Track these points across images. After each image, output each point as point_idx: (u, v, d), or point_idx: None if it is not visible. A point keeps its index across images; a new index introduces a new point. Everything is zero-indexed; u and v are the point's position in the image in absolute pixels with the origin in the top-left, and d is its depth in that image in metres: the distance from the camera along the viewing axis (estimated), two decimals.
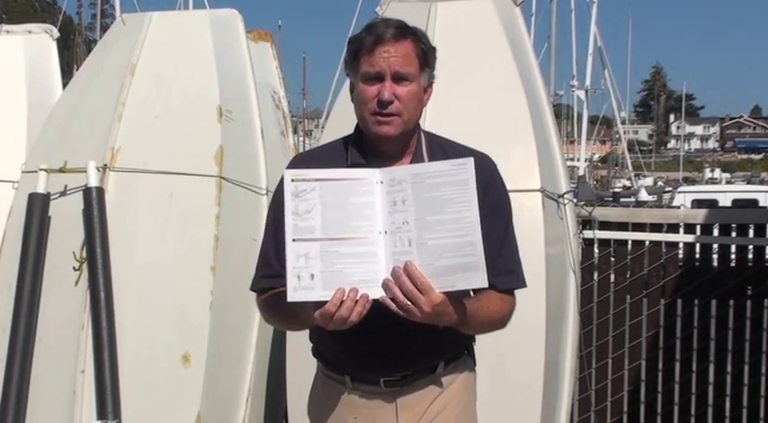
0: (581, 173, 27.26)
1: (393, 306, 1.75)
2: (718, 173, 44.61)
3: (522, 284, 2.02)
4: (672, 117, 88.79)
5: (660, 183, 34.92)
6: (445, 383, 2.02)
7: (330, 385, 2.05)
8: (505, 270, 1.98)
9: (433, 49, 1.99)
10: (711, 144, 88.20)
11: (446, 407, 2.01)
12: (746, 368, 3.99)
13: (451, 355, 2.03)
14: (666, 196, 23.28)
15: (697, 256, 4.08)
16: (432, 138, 2.06)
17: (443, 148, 2.04)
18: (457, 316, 1.82)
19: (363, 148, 1.99)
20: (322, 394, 2.08)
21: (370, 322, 1.91)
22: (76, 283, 3.16)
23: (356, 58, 1.93)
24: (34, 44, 4.44)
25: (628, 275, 4.09)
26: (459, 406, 2.04)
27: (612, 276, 4.11)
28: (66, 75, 6.28)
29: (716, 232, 4.05)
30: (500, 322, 2.00)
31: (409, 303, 1.74)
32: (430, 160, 1.99)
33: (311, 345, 2.12)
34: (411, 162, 1.98)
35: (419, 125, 2.04)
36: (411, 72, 1.91)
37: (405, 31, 1.93)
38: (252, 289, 2.06)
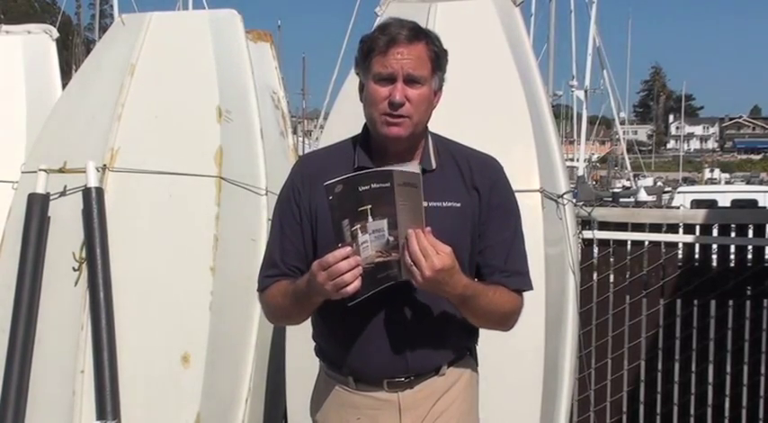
0: (580, 173, 27.25)
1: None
2: (717, 173, 44.64)
3: (530, 286, 2.03)
4: (671, 117, 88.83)
5: (659, 183, 34.86)
6: (448, 384, 2.02)
7: (333, 386, 2.05)
8: (516, 271, 1.99)
9: (445, 52, 1.98)
10: (711, 144, 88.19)
11: (449, 407, 2.01)
12: (746, 368, 3.99)
13: (455, 356, 2.03)
14: (666, 196, 23.25)
15: (696, 256, 4.08)
16: (439, 140, 2.06)
17: (450, 151, 2.04)
18: (460, 290, 1.82)
19: (371, 150, 1.99)
20: (324, 395, 2.08)
21: (374, 323, 1.91)
22: (76, 283, 3.16)
23: (368, 58, 1.93)
24: (34, 44, 4.43)
25: (627, 276, 4.09)
26: (462, 407, 2.04)
27: (612, 277, 4.11)
28: (66, 75, 6.27)
29: (715, 232, 4.05)
30: (505, 318, 2.00)
31: (411, 264, 1.75)
32: (437, 162, 2.00)
33: (311, 345, 2.13)
34: (419, 164, 1.96)
35: (427, 127, 2.03)
36: (423, 75, 1.91)
37: (419, 34, 1.93)
38: (259, 290, 2.06)
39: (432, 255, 1.74)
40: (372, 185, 1.74)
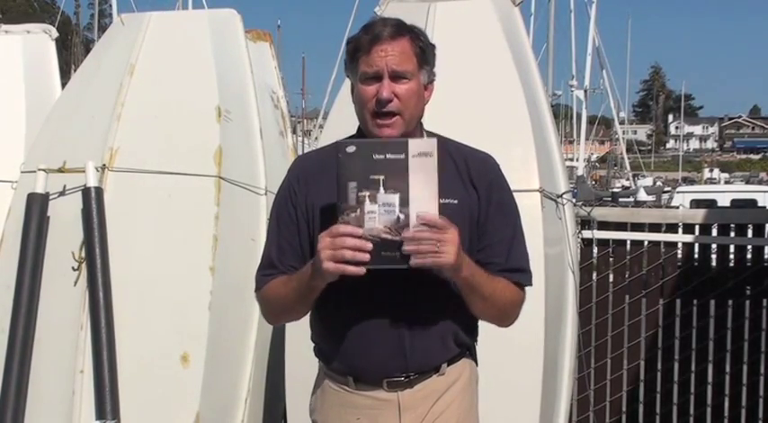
0: (580, 173, 27.30)
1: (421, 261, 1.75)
2: (716, 173, 44.72)
3: (530, 282, 2.04)
4: (671, 117, 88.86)
5: (659, 183, 34.85)
6: (448, 384, 2.01)
7: (332, 386, 2.04)
8: (517, 268, 2.00)
9: (432, 46, 1.98)
10: (710, 144, 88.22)
11: (449, 407, 2.01)
12: (745, 368, 3.99)
13: (454, 355, 2.03)
14: (665, 196, 23.27)
15: (696, 256, 4.08)
16: (434, 137, 2.05)
17: (446, 148, 2.03)
18: (473, 266, 1.85)
19: None
20: (324, 395, 2.07)
21: (372, 323, 1.91)
22: (75, 283, 3.16)
23: (354, 59, 1.93)
24: (33, 44, 4.44)
25: (627, 275, 4.09)
26: (461, 406, 2.04)
27: (611, 276, 4.12)
28: (65, 75, 6.28)
29: (714, 232, 4.06)
30: (507, 311, 2.01)
31: (443, 243, 1.75)
32: None
33: (310, 345, 2.12)
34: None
35: (422, 124, 2.03)
36: (409, 69, 1.91)
37: (402, 29, 1.93)
38: (257, 289, 2.05)
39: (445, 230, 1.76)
40: (388, 156, 1.76)
